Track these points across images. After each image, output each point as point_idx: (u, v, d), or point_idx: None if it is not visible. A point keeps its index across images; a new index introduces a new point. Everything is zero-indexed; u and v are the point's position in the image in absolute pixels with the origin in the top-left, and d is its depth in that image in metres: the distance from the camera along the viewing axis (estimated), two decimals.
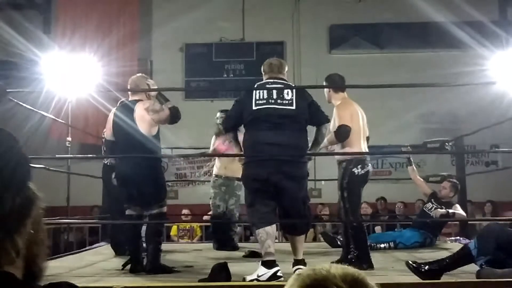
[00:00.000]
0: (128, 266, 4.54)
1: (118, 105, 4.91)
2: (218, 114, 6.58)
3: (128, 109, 4.59)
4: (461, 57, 9.86)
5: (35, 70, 7.59)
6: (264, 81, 4.36)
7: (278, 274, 3.87)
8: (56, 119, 6.38)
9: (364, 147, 4.78)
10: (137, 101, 4.62)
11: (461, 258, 3.95)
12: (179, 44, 11.59)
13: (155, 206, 4.58)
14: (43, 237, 0.90)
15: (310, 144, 4.34)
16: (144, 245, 4.71)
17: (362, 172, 4.61)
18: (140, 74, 5.09)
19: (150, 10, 11.72)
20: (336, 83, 4.85)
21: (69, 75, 6.81)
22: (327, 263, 0.94)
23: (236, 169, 6.58)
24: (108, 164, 5.63)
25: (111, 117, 4.72)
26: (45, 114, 5.60)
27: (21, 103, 4.64)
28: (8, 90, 4.26)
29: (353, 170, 4.57)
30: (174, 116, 4.55)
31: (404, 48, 11.30)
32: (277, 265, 3.93)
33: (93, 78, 7.19)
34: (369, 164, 4.75)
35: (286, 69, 4.52)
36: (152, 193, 4.55)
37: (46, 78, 7.02)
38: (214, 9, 11.01)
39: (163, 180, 4.80)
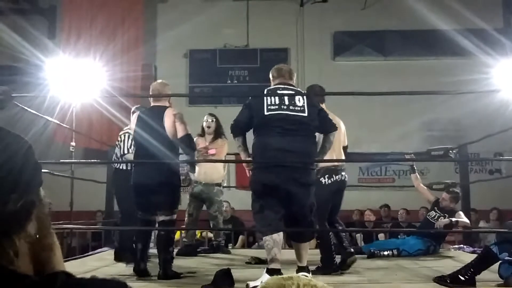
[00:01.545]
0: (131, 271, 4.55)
1: (144, 110, 4.92)
2: (206, 117, 6.57)
3: (156, 115, 4.60)
4: (465, 65, 9.86)
5: (39, 75, 7.61)
6: (274, 87, 4.31)
7: None
8: (61, 124, 6.38)
9: (340, 157, 4.88)
10: (164, 107, 4.65)
11: (484, 258, 3.93)
12: (183, 49, 11.64)
13: (166, 212, 4.56)
14: (51, 242, 0.89)
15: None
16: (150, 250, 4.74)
17: (329, 181, 4.72)
18: (160, 80, 5.14)
19: (155, 15, 11.77)
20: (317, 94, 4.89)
21: (74, 80, 6.82)
22: (298, 276, 0.91)
23: (214, 174, 6.52)
24: (120, 168, 5.63)
25: (133, 120, 4.75)
26: (50, 119, 5.60)
27: (26, 107, 4.66)
28: (13, 95, 4.26)
29: (320, 179, 4.65)
30: (188, 141, 4.57)
31: (408, 55, 11.33)
32: (281, 274, 3.89)
33: (98, 83, 7.21)
34: (342, 174, 4.84)
35: (295, 76, 4.52)
36: (167, 199, 4.55)
37: (51, 83, 7.04)
38: (219, 15, 11.06)
39: (179, 187, 4.81)
